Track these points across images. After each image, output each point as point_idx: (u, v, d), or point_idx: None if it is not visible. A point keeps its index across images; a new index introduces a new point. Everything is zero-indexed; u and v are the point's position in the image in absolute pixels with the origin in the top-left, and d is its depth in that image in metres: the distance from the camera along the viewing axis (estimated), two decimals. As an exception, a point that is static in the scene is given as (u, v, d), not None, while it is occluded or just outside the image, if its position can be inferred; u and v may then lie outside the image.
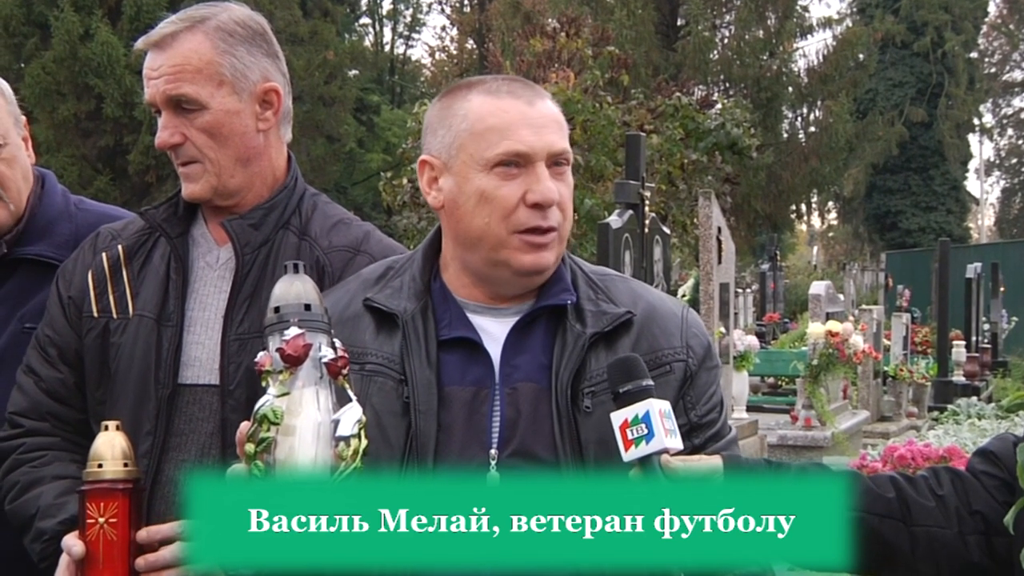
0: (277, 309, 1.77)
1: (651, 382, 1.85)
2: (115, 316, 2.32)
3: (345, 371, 1.78)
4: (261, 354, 1.77)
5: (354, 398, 1.78)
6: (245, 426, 1.74)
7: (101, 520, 2.01)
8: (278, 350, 1.74)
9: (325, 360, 1.76)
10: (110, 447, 2.06)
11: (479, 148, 1.94)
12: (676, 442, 1.83)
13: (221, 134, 2.27)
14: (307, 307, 1.77)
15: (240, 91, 2.28)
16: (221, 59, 2.26)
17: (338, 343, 1.80)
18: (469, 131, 1.95)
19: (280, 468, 1.72)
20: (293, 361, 1.73)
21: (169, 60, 2.25)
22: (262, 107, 2.32)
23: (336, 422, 1.74)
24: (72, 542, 2.04)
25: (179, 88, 2.24)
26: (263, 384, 1.75)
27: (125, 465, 2.06)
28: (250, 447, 1.72)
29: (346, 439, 1.73)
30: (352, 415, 1.75)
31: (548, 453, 1.91)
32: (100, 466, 2.05)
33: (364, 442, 1.75)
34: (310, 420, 1.73)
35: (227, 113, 2.27)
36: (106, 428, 2.09)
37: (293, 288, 1.79)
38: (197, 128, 2.26)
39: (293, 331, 1.74)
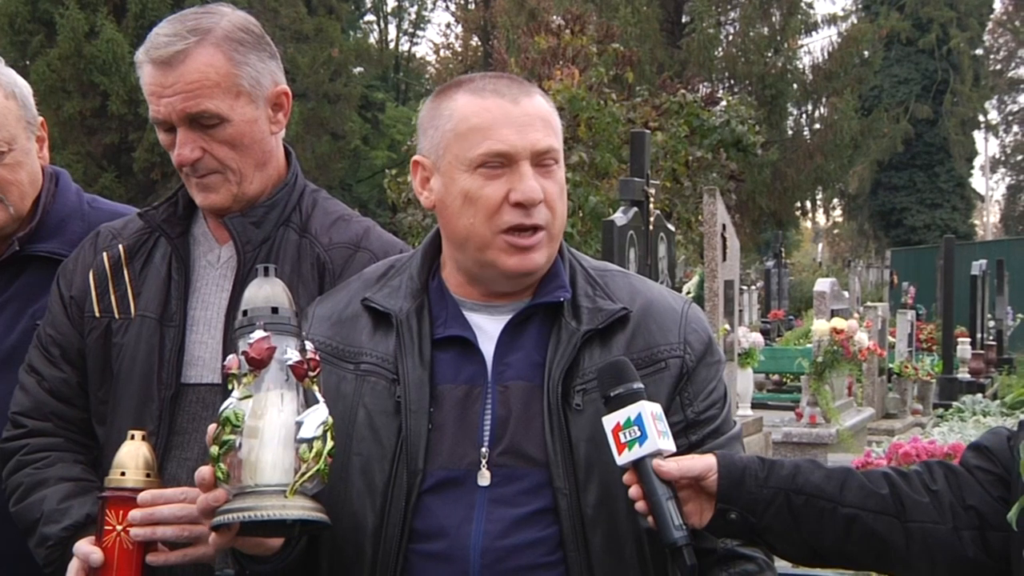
0: (245, 312, 1.80)
1: (641, 385, 1.85)
2: (117, 316, 2.32)
3: (313, 373, 1.79)
4: (230, 357, 1.79)
5: (321, 400, 1.79)
6: (213, 428, 1.76)
7: (119, 528, 2.01)
8: (243, 353, 1.76)
9: (290, 363, 1.77)
10: (134, 456, 2.06)
11: (463, 149, 1.93)
12: (669, 444, 1.83)
13: (243, 144, 2.26)
14: (275, 310, 1.79)
15: (256, 99, 2.27)
16: (239, 71, 2.24)
17: (309, 346, 1.81)
18: (454, 131, 1.95)
19: (243, 470, 1.74)
20: (256, 364, 1.75)
21: (184, 77, 2.20)
22: (274, 110, 2.32)
23: (299, 424, 1.76)
24: (89, 549, 2.02)
25: (199, 104, 2.20)
26: (229, 387, 1.78)
27: (147, 476, 2.05)
28: (214, 450, 1.74)
29: (308, 441, 1.75)
30: (316, 417, 1.76)
31: (538, 451, 1.91)
32: (123, 474, 2.04)
33: (329, 444, 1.76)
34: (273, 423, 1.75)
35: (247, 123, 2.26)
36: (132, 437, 2.08)
37: (262, 291, 1.81)
38: (219, 141, 2.24)
39: (258, 334, 1.76)
